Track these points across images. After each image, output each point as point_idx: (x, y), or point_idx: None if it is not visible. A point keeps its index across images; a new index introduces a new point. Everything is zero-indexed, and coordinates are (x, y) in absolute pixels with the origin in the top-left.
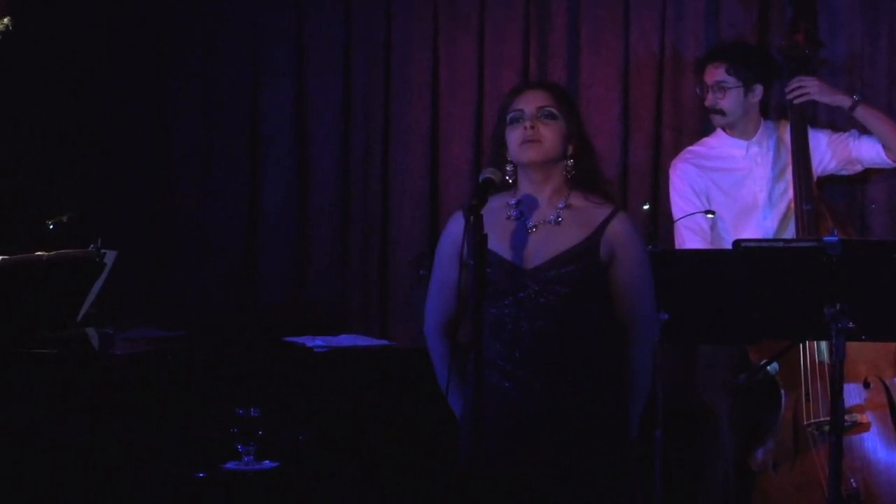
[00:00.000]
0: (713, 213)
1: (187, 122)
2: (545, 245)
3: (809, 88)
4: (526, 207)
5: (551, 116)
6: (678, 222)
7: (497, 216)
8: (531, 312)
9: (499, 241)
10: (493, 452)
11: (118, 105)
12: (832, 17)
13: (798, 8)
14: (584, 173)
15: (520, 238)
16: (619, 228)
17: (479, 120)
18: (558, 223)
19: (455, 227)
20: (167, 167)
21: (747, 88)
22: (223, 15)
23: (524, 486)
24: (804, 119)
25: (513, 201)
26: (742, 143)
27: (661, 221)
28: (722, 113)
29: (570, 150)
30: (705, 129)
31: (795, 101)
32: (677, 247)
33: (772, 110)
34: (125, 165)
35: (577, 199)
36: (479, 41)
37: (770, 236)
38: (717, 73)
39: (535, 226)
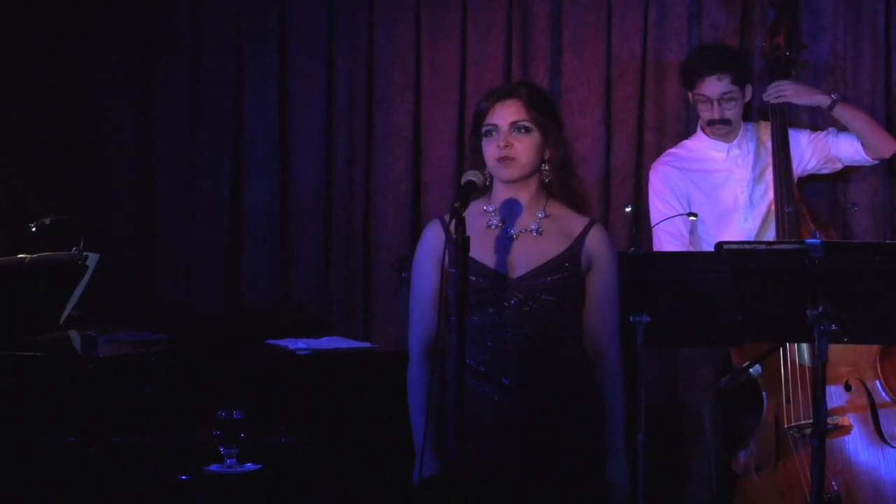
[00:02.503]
0: (696, 215)
1: (171, 125)
2: (528, 254)
3: (785, 90)
4: (506, 215)
5: (525, 130)
6: (656, 227)
7: (477, 224)
8: (515, 320)
9: (481, 250)
10: (473, 456)
11: (102, 107)
12: (815, 19)
13: (779, 10)
14: (559, 179)
15: (503, 247)
16: (596, 240)
17: (462, 122)
18: (540, 233)
19: (432, 235)
20: (151, 170)
21: (745, 94)
22: (207, 18)
23: (504, 490)
24: (785, 122)
25: (491, 209)
26: (723, 145)
27: (644, 223)
28: (729, 123)
29: (547, 154)
30: (688, 132)
31: (772, 102)
32: (655, 251)
33: (752, 112)
34: (109, 168)
35: (555, 208)
36: (461, 43)
37: (751, 238)
38: (722, 85)
39: (517, 234)
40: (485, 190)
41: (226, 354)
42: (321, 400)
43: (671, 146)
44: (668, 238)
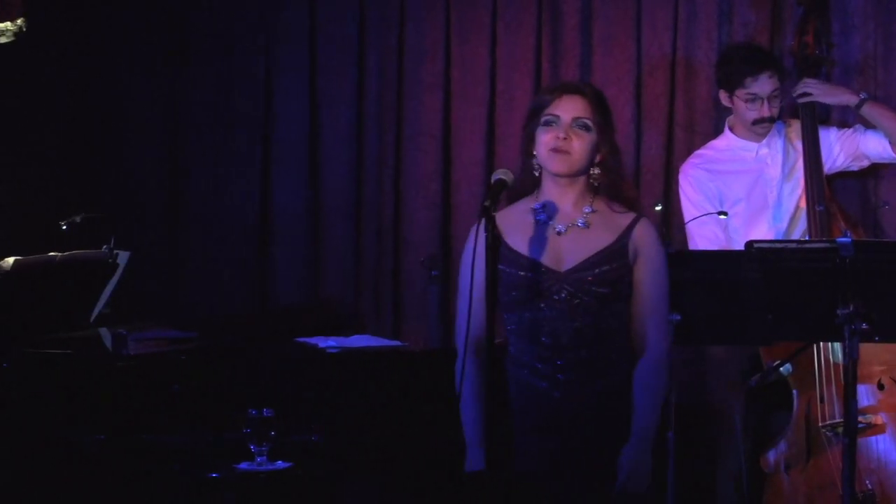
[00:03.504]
0: (726, 214)
1: (201, 123)
2: (576, 247)
3: (812, 89)
4: (552, 211)
5: (585, 128)
6: (692, 232)
7: (524, 221)
8: (567, 314)
9: (530, 246)
10: (530, 450)
11: (132, 105)
12: (845, 18)
13: (808, 8)
14: (609, 182)
15: (550, 242)
16: (643, 233)
17: (491, 121)
18: (587, 226)
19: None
20: (180, 168)
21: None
22: (237, 15)
23: (561, 484)
24: (814, 121)
25: (538, 206)
26: (752, 144)
27: (673, 221)
28: (774, 121)
29: (599, 158)
30: (717, 130)
31: (799, 101)
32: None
33: (781, 110)
34: (139, 166)
35: (601, 205)
36: (491, 42)
37: (780, 237)
38: (773, 82)
39: (564, 229)
40: (532, 188)
41: (255, 352)
42: (351, 398)
43: (701, 144)
44: (704, 243)
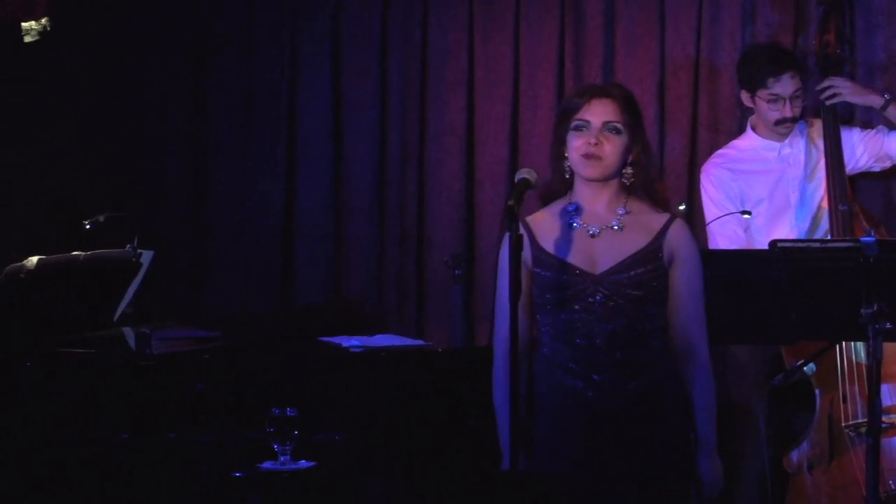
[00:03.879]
0: (749, 213)
1: (224, 123)
2: (611, 250)
3: (841, 89)
4: (586, 213)
5: (616, 131)
6: (713, 232)
7: (558, 223)
8: (602, 316)
9: (565, 248)
10: (564, 451)
11: (155, 104)
12: (869, 16)
13: (828, 7)
14: (642, 181)
15: (584, 244)
16: (678, 234)
17: (515, 120)
18: (621, 228)
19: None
20: (204, 166)
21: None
22: (261, 14)
23: (595, 484)
24: (837, 120)
25: (571, 207)
26: (775, 144)
27: (697, 221)
28: (796, 121)
29: (631, 158)
30: (741, 130)
31: (827, 102)
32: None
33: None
34: (163, 166)
35: (635, 205)
36: (514, 41)
37: (803, 237)
38: (795, 83)
39: (598, 231)
40: (565, 190)
41: (279, 351)
42: (374, 397)
43: (725, 144)
44: (725, 242)
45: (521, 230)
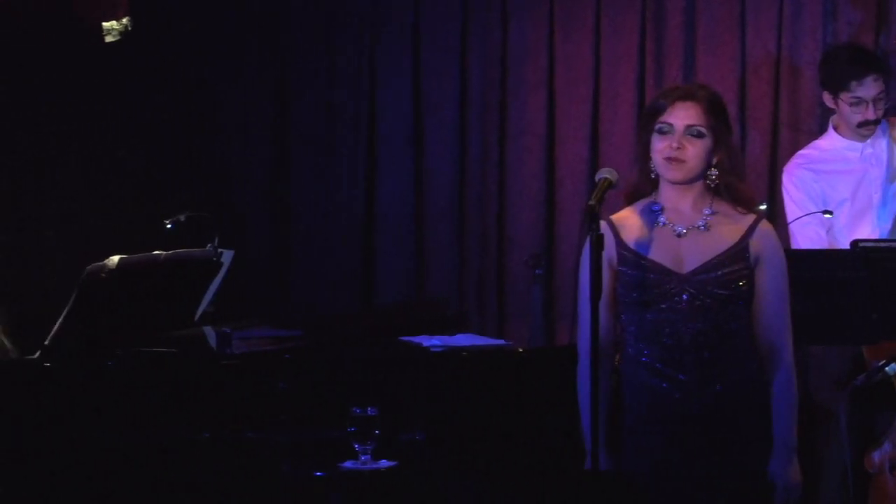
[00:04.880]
0: (831, 213)
1: (305, 124)
2: (697, 250)
3: None
4: (672, 213)
5: (699, 135)
6: (794, 232)
7: (645, 223)
8: (688, 316)
9: (652, 248)
10: (649, 450)
11: (237, 104)
12: None
13: None
14: (727, 183)
15: (671, 243)
16: (764, 235)
17: (595, 119)
18: (707, 228)
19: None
20: (286, 166)
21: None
22: (341, 14)
23: (681, 484)
24: None
25: (657, 207)
26: (857, 144)
27: (778, 221)
28: (878, 123)
29: (716, 160)
30: (822, 129)
31: None
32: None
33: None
34: (245, 165)
35: (720, 206)
36: (594, 40)
37: (885, 237)
38: (878, 85)
39: (684, 231)
40: (650, 190)
41: (360, 351)
42: (455, 397)
43: (806, 143)
44: (806, 243)
45: (606, 229)
